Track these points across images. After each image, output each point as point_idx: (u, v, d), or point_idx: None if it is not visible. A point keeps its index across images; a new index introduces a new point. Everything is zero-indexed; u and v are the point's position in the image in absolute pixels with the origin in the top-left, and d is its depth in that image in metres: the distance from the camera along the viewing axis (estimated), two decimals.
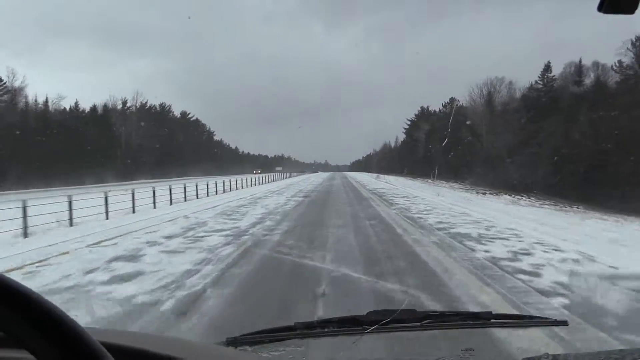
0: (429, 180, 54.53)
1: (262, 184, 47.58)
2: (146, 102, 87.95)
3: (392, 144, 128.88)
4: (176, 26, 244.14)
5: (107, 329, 1.38)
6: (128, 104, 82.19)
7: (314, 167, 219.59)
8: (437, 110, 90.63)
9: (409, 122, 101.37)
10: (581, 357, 1.48)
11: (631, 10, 1.01)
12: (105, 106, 75.72)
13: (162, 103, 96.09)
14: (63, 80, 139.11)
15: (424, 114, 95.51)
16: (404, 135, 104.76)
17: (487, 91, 62.37)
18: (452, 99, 76.13)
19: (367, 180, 60.03)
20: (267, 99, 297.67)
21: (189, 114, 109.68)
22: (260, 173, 74.71)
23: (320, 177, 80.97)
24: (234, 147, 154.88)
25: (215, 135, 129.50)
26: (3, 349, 0.93)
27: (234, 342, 1.52)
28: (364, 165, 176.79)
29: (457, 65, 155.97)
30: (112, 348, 0.85)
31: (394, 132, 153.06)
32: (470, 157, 57.34)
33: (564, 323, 1.99)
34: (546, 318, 2.38)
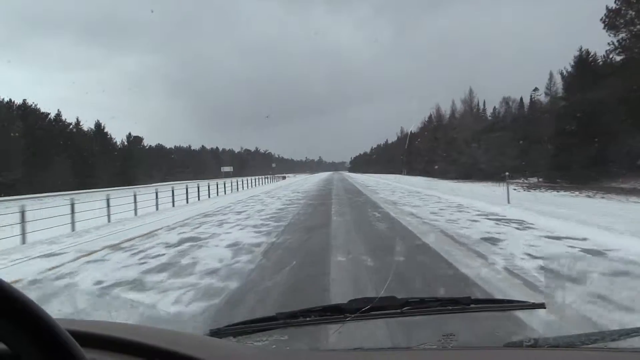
0: None
1: None
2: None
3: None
4: (161, 19, 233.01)
5: (99, 321, 1.39)
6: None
7: (273, 166, 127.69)
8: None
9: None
10: (561, 339, 1.47)
11: None
12: None
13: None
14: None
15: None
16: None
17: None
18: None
19: None
20: (260, 93, 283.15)
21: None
22: None
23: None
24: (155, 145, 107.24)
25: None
26: None
27: (217, 333, 1.52)
28: (375, 161, 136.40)
29: (475, 51, 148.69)
30: (98, 338, 0.92)
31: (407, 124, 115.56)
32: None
33: (542, 306, 2.04)
34: (524, 302, 2.38)
